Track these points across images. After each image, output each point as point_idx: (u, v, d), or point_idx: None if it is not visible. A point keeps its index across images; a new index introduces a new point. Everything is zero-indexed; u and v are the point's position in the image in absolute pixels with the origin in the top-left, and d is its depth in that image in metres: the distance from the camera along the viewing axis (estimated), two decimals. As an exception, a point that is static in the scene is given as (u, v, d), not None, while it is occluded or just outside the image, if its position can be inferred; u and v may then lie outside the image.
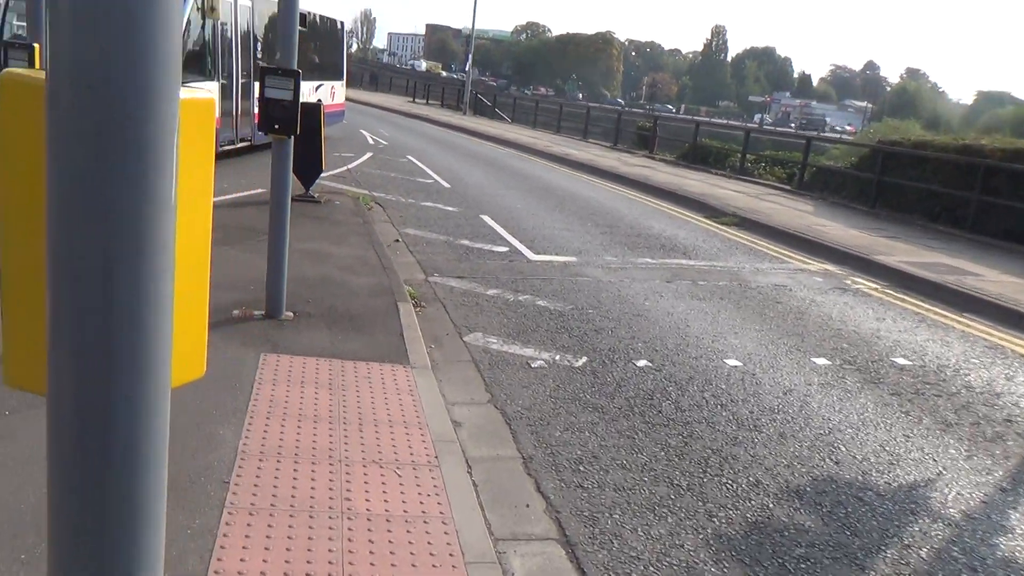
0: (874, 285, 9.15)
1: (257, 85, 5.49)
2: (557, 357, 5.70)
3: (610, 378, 5.43)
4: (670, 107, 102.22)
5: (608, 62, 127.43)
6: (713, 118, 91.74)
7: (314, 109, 9.81)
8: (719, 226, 12.28)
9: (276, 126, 5.07)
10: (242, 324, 5.31)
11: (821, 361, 6.20)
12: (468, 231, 9.83)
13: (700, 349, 6.19)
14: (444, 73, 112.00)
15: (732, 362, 5.96)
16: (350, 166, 14.53)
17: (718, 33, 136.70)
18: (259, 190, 9.75)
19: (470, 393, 4.98)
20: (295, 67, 5.06)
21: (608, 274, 8.36)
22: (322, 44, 18.23)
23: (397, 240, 8.89)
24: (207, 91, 1.31)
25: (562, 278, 7.97)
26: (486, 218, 10.80)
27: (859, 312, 7.83)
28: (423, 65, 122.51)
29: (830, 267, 9.93)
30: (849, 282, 9.19)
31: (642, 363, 5.75)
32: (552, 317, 6.64)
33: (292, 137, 5.20)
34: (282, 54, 5.07)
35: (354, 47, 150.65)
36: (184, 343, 1.16)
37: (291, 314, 5.56)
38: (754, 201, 14.80)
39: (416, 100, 47.08)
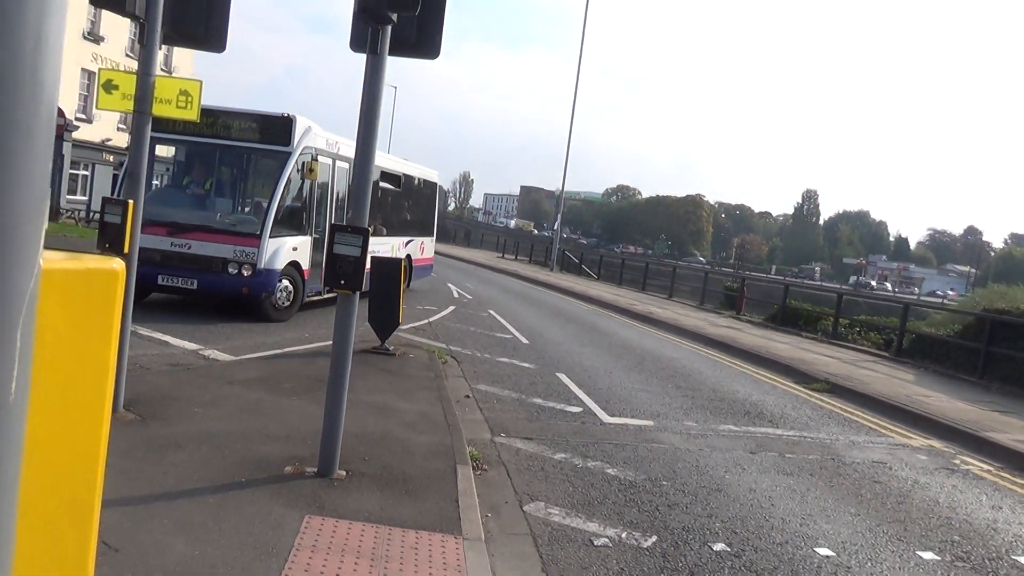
0: (986, 466, 8.26)
1: None
2: (624, 535, 5.21)
3: (682, 563, 4.89)
4: (762, 272, 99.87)
5: (697, 223, 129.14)
6: (805, 279, 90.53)
7: (395, 264, 10.05)
8: (810, 393, 11.61)
9: (342, 281, 5.08)
10: (292, 481, 5.12)
11: (928, 556, 5.45)
12: (542, 389, 9.58)
13: (786, 533, 5.57)
14: (536, 231, 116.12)
15: (823, 551, 5.31)
16: (431, 319, 14.71)
17: (809, 197, 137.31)
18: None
19: (524, 572, 4.54)
20: (366, 225, 5.12)
21: (687, 441, 7.86)
22: (415, 202, 19.10)
23: (467, 396, 8.70)
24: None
25: (636, 444, 7.53)
26: (562, 376, 10.55)
27: (970, 498, 7.00)
28: (512, 223, 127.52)
29: (935, 443, 9.09)
30: (958, 462, 8.33)
31: (719, 547, 5.18)
32: (622, 488, 6.17)
33: (358, 293, 5.19)
34: (354, 212, 5.17)
35: (452, 206, 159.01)
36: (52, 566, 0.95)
37: (343, 473, 5.34)
38: (848, 367, 14.03)
39: (505, 256, 48.47)
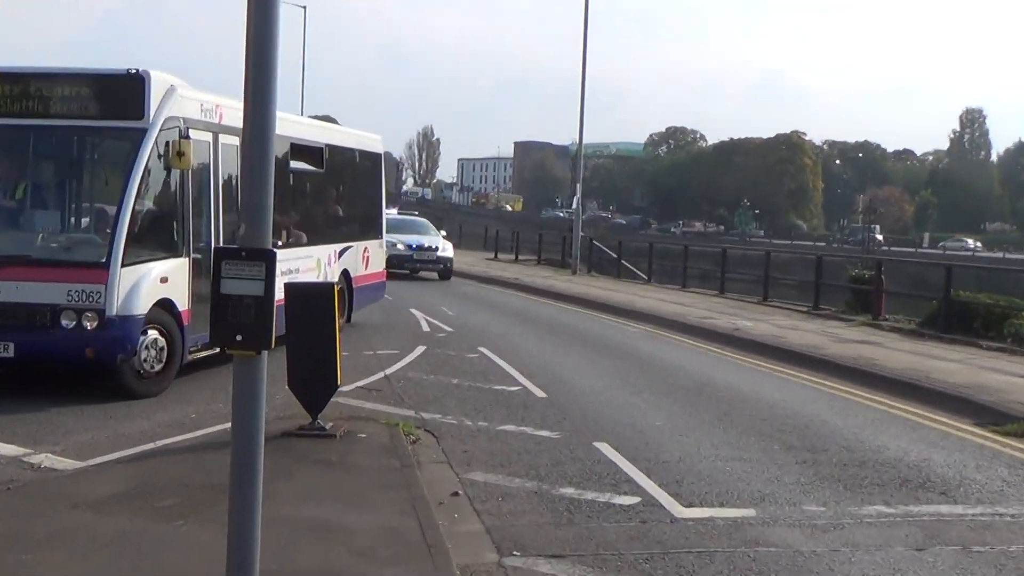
0: None
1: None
2: None
3: None
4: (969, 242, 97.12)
5: (799, 176, 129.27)
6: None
7: (323, 293, 10.02)
8: (1001, 439, 11.57)
9: (239, 337, 5.00)
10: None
11: None
12: (574, 471, 9.52)
13: None
14: (509, 207, 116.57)
15: None
16: (389, 370, 14.70)
17: (972, 121, 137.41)
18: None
19: None
20: (268, 244, 5.04)
21: (811, 539, 7.82)
22: (350, 187, 19.15)
23: (456, 493, 8.66)
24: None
25: (731, 551, 7.49)
26: (603, 447, 10.48)
27: None
28: (454, 195, 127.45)
29: None
30: None
31: None
32: (715, 627, 6.12)
33: (265, 353, 5.12)
34: (248, 225, 5.04)
35: (408, 182, 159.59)
36: None
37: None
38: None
39: (499, 255, 48.44)
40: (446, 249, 35.16)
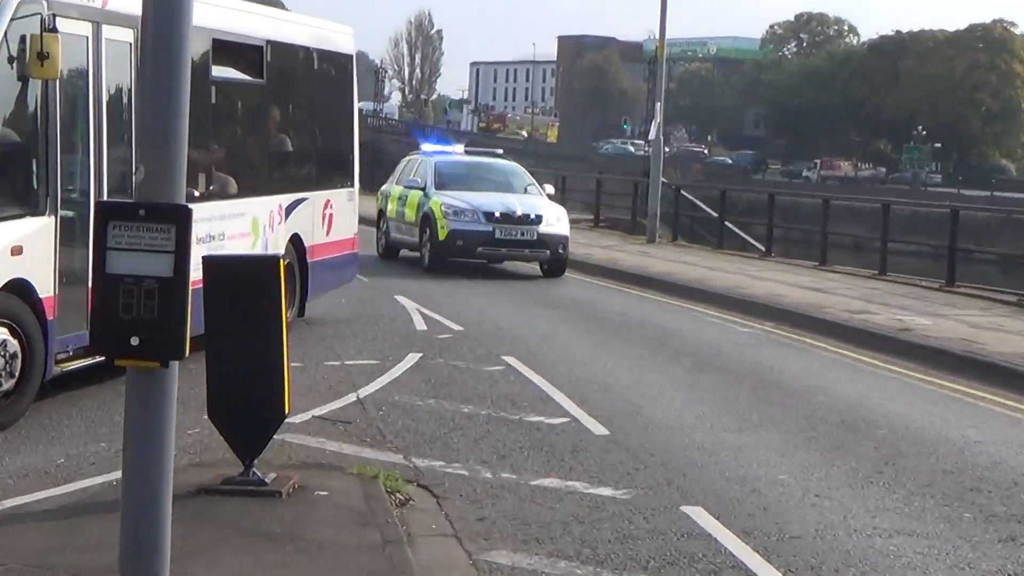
0: None
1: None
2: None
3: None
4: None
5: (1004, 91, 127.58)
6: None
7: (264, 272, 10.07)
8: None
9: (134, 340, 5.05)
10: None
11: None
12: (651, 551, 9.52)
13: None
14: (525, 134, 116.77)
15: None
16: (363, 391, 14.78)
17: None
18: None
19: None
20: (180, 197, 5.09)
21: None
22: (304, 108, 19.11)
23: (467, 585, 8.72)
24: None
25: None
26: (696, 513, 10.51)
27: None
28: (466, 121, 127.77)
29: None
30: None
31: None
32: None
33: (175, 364, 5.18)
34: (148, 166, 5.10)
35: (393, 96, 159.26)
36: None
37: None
38: None
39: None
40: (555, 220, 29.84)
